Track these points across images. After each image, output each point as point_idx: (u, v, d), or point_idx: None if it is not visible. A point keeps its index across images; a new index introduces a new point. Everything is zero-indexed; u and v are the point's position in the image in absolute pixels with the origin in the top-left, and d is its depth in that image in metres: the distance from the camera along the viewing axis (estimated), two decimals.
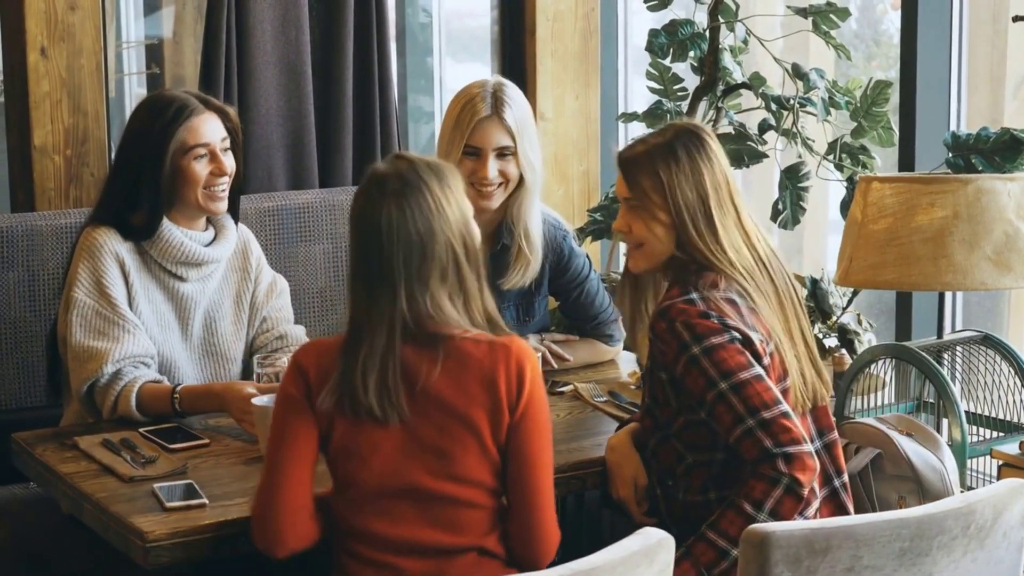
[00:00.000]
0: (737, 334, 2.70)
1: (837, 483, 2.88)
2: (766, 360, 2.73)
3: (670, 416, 2.78)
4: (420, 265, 2.52)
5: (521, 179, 3.48)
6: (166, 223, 3.26)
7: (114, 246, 3.22)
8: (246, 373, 3.39)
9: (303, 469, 2.56)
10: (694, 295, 2.74)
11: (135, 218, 3.26)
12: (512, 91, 3.50)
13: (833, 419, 2.91)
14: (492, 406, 2.55)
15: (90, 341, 3.16)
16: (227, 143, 3.29)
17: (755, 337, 2.72)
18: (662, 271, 2.87)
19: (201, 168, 3.24)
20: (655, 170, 2.79)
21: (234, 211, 3.41)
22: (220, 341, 3.37)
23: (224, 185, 3.28)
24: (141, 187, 3.23)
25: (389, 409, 2.51)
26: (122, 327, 3.17)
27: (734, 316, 2.72)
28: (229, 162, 3.28)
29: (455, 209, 2.57)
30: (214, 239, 3.36)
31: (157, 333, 3.27)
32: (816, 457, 2.67)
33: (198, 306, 3.33)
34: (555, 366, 3.57)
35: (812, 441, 2.81)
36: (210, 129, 3.26)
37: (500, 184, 3.45)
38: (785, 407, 2.67)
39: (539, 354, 3.10)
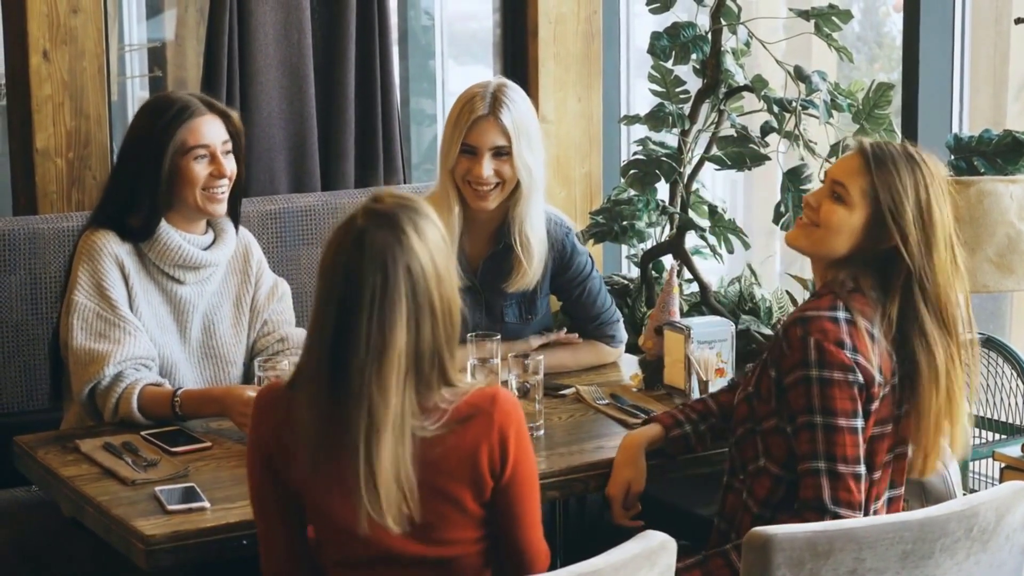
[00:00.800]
0: (861, 377, 2.62)
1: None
2: (876, 404, 2.66)
3: (766, 413, 2.73)
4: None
5: (518, 182, 3.48)
6: (164, 225, 3.26)
7: (113, 248, 3.22)
8: (246, 376, 3.39)
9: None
10: (841, 315, 2.66)
11: (133, 219, 3.26)
12: (513, 92, 3.49)
13: (905, 474, 2.82)
14: (474, 479, 2.43)
15: (91, 344, 3.16)
16: (228, 146, 3.29)
17: (877, 379, 2.64)
18: (823, 267, 2.76)
19: (200, 169, 3.24)
20: (898, 170, 2.70)
21: (235, 215, 3.40)
22: (219, 344, 3.37)
23: (223, 188, 3.27)
24: (140, 187, 3.23)
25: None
26: (123, 329, 3.17)
27: (868, 353, 2.64)
28: (229, 165, 3.28)
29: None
30: (213, 242, 3.36)
31: (157, 335, 3.27)
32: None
33: (196, 309, 3.33)
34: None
35: (882, 496, 2.76)
36: (211, 131, 3.26)
37: (496, 185, 3.45)
38: (861, 469, 2.62)
39: (541, 357, 3.10)
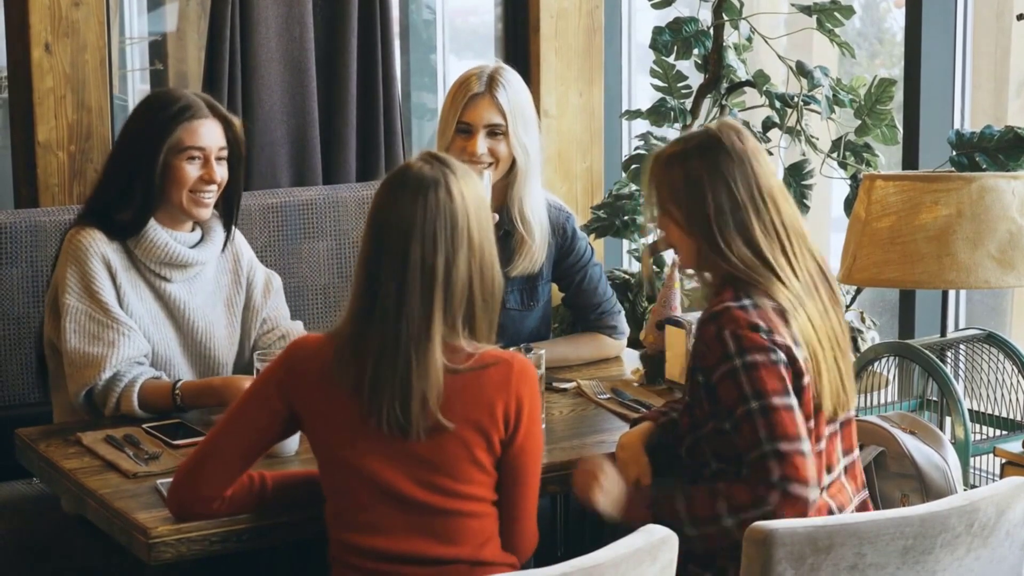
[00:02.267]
0: (783, 354, 2.63)
1: (857, 501, 2.83)
2: (808, 378, 2.66)
3: (703, 417, 2.73)
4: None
5: (514, 163, 3.51)
6: (151, 223, 3.24)
7: (99, 247, 3.19)
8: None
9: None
10: (747, 302, 2.66)
11: (123, 214, 3.23)
12: (510, 74, 3.54)
13: (855, 437, 2.84)
14: (487, 428, 2.53)
15: (86, 347, 3.14)
16: (224, 153, 3.26)
17: (799, 354, 2.65)
18: (709, 272, 2.77)
19: (191, 171, 3.22)
20: (668, 179, 2.74)
21: (228, 220, 3.39)
22: (214, 346, 3.35)
23: (211, 193, 3.25)
24: (135, 180, 3.21)
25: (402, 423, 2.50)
26: (117, 331, 3.15)
27: (783, 330, 2.65)
28: (221, 172, 3.25)
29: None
30: (200, 241, 3.34)
31: (153, 331, 3.25)
32: (815, 502, 2.60)
33: (187, 307, 3.31)
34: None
35: (835, 466, 2.77)
36: (209, 134, 3.24)
37: (490, 164, 3.47)
38: (804, 446, 2.60)
39: (542, 351, 3.10)
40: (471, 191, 2.55)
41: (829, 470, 2.74)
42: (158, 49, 6.20)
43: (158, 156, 3.19)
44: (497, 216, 3.31)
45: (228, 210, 3.36)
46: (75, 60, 4.03)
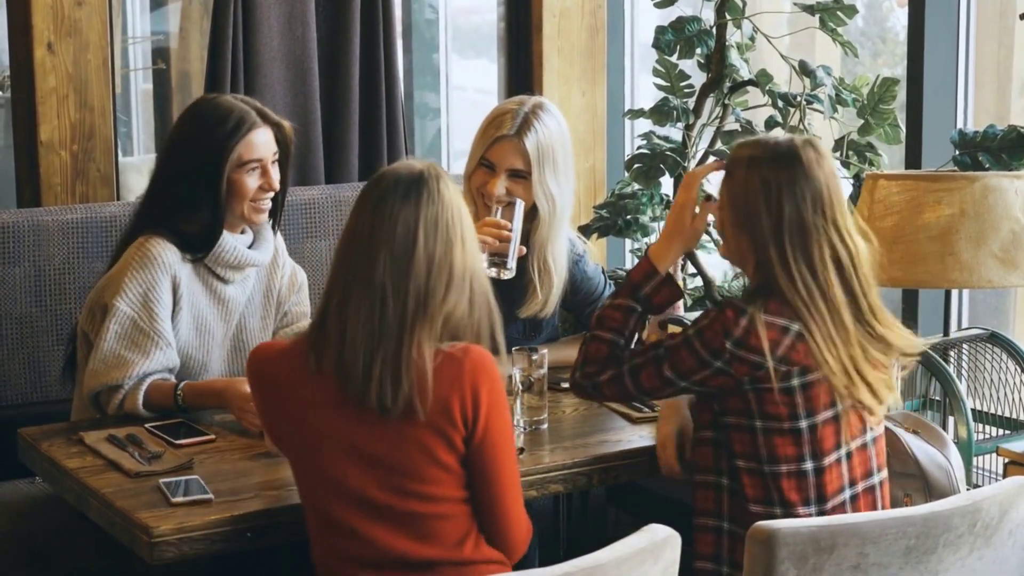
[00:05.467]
0: (729, 368, 2.67)
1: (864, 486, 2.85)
2: (760, 386, 2.68)
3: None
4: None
5: (538, 215, 3.42)
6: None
7: (169, 259, 3.20)
8: None
9: None
10: (749, 310, 2.67)
11: (189, 226, 3.24)
12: (548, 116, 3.43)
13: (885, 456, 2.85)
14: (445, 428, 2.52)
15: (122, 350, 3.14)
16: (276, 156, 3.29)
17: (771, 366, 2.66)
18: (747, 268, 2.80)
19: (252, 182, 3.24)
20: (737, 174, 2.75)
21: (275, 218, 3.41)
22: (248, 336, 3.38)
23: (268, 200, 3.29)
24: (201, 197, 3.21)
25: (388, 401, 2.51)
26: (155, 343, 3.16)
27: (765, 345, 2.65)
28: (277, 176, 3.28)
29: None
30: (253, 242, 3.36)
31: (194, 338, 3.27)
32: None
33: (239, 307, 3.35)
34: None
35: (854, 485, 2.78)
36: (264, 143, 3.25)
37: (509, 204, 3.39)
38: (631, 381, 2.77)
39: (545, 351, 3.10)
40: (458, 196, 2.59)
41: (833, 493, 2.74)
42: (161, 49, 6.20)
43: (223, 175, 3.20)
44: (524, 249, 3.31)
45: (274, 208, 3.38)
46: (78, 59, 4.03)
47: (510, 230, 3.28)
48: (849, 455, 2.75)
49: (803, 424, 2.69)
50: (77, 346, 3.29)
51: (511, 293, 3.43)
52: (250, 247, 3.35)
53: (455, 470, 2.54)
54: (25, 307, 3.72)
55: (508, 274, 3.29)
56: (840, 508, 2.73)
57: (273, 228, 3.42)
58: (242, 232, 3.35)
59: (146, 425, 3.07)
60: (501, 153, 3.39)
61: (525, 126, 3.38)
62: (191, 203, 3.23)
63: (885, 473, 2.84)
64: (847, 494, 2.75)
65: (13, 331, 3.72)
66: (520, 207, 3.33)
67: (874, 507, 2.80)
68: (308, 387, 2.55)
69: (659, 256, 2.90)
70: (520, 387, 3.05)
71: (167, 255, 3.20)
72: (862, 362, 2.70)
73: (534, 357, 3.06)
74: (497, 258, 3.27)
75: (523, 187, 3.39)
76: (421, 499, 2.52)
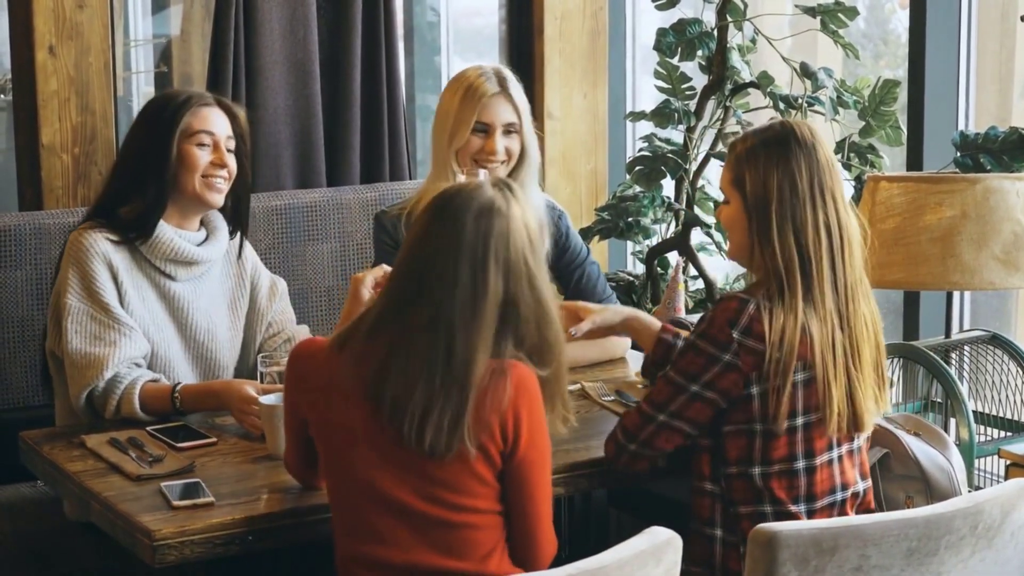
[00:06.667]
0: (736, 360, 2.68)
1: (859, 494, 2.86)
2: (766, 385, 2.69)
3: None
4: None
5: (520, 159, 3.53)
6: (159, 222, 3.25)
7: (101, 247, 3.19)
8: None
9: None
10: (753, 302, 2.69)
11: (129, 210, 3.23)
12: (511, 73, 3.57)
13: (868, 465, 2.87)
14: (484, 442, 2.49)
15: (87, 347, 3.14)
16: (232, 144, 3.28)
17: (776, 356, 2.67)
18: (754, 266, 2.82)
19: (203, 155, 3.23)
20: (739, 161, 2.78)
21: (243, 222, 3.39)
22: (215, 348, 3.35)
23: (223, 180, 3.26)
24: (147, 175, 3.21)
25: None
26: (118, 330, 3.15)
27: (767, 331, 2.67)
28: (231, 161, 3.27)
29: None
30: (205, 240, 3.34)
31: (153, 332, 3.25)
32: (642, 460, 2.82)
33: (191, 307, 3.31)
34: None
35: (844, 489, 2.80)
36: (217, 121, 3.26)
37: (503, 161, 3.49)
38: (662, 416, 2.75)
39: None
40: (530, 216, 2.56)
41: (823, 494, 2.76)
42: (163, 51, 6.20)
43: (171, 146, 3.20)
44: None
45: (236, 207, 3.36)
46: (79, 63, 4.03)
47: None
48: (840, 458, 2.78)
49: (799, 422, 2.71)
50: (48, 362, 3.28)
51: None
52: (202, 244, 3.32)
53: (491, 483, 2.52)
54: (27, 310, 3.72)
55: None
56: (829, 509, 2.75)
57: (242, 237, 3.40)
58: (198, 229, 3.33)
59: (147, 428, 3.06)
60: (495, 111, 3.49)
61: (503, 81, 3.51)
62: (137, 184, 3.22)
63: (869, 482, 2.86)
64: (838, 496, 2.77)
65: (15, 334, 3.72)
66: (484, 175, 3.42)
67: (866, 511, 2.82)
68: (344, 383, 2.54)
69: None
70: None
71: (98, 244, 3.19)
72: (861, 357, 2.74)
73: None
74: None
75: (515, 140, 3.51)
76: (455, 509, 2.50)
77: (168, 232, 3.24)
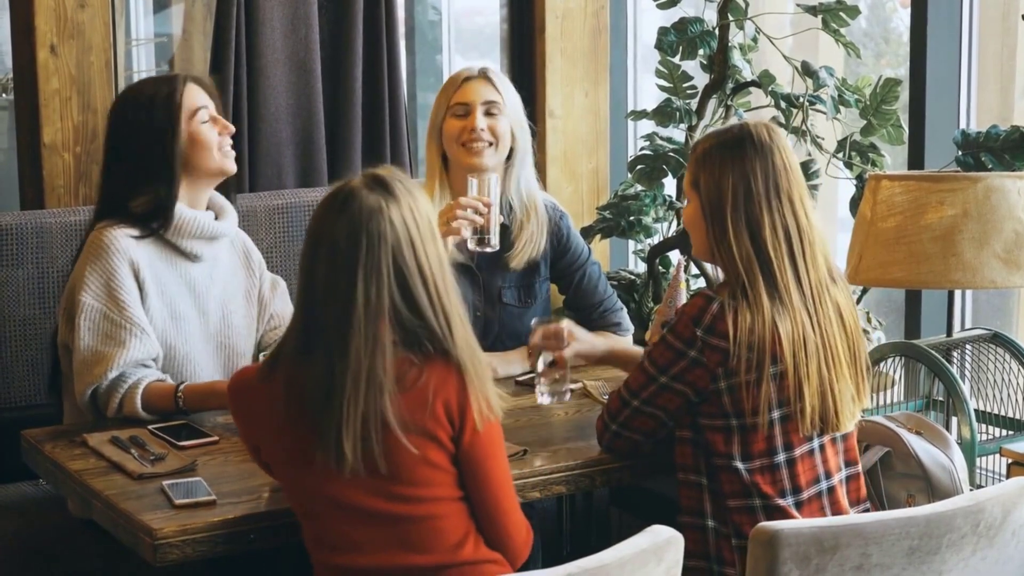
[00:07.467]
0: (702, 357, 2.71)
1: (859, 508, 2.87)
2: (732, 381, 2.71)
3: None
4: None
5: (512, 150, 3.54)
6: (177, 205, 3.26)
7: (123, 244, 3.20)
8: None
9: None
10: (719, 300, 2.72)
11: (141, 206, 3.24)
12: (500, 71, 3.62)
13: (856, 451, 2.89)
14: (432, 428, 2.50)
15: (98, 346, 3.14)
16: (215, 109, 3.34)
17: (743, 355, 2.70)
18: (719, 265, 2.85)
19: (211, 130, 3.28)
20: (697, 164, 2.81)
21: (228, 194, 3.45)
22: (234, 334, 3.37)
23: (231, 143, 3.32)
24: (154, 165, 3.22)
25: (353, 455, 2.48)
26: (130, 331, 3.15)
27: (731, 329, 2.69)
28: (229, 124, 3.33)
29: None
30: (216, 217, 3.37)
31: (170, 326, 3.25)
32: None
33: (209, 292, 3.33)
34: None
35: (829, 477, 2.81)
36: (200, 95, 3.31)
37: (490, 144, 3.48)
38: (636, 400, 2.81)
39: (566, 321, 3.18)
40: (415, 211, 2.52)
41: (807, 484, 2.77)
42: (164, 50, 6.20)
43: (177, 132, 3.23)
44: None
45: (225, 185, 3.41)
46: (81, 62, 4.03)
47: (488, 204, 3.34)
48: (822, 447, 2.80)
49: (775, 415, 2.73)
50: (60, 356, 3.28)
51: (501, 246, 3.51)
52: (216, 221, 3.35)
53: (447, 468, 2.53)
54: (28, 309, 3.72)
55: (491, 248, 3.41)
56: (816, 499, 2.77)
57: (231, 198, 3.45)
58: (207, 210, 3.35)
59: (149, 427, 3.06)
60: (472, 90, 3.54)
61: (484, 70, 3.57)
62: (143, 179, 3.23)
63: (859, 467, 2.88)
64: (823, 485, 2.79)
65: (16, 333, 3.72)
66: (495, 180, 3.42)
67: (854, 499, 2.85)
68: (280, 410, 2.53)
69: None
70: (543, 362, 3.16)
71: (120, 241, 3.20)
72: (838, 353, 2.78)
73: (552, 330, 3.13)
74: (480, 235, 3.37)
75: (500, 120, 3.53)
76: (416, 502, 2.51)
77: (187, 211, 3.27)
